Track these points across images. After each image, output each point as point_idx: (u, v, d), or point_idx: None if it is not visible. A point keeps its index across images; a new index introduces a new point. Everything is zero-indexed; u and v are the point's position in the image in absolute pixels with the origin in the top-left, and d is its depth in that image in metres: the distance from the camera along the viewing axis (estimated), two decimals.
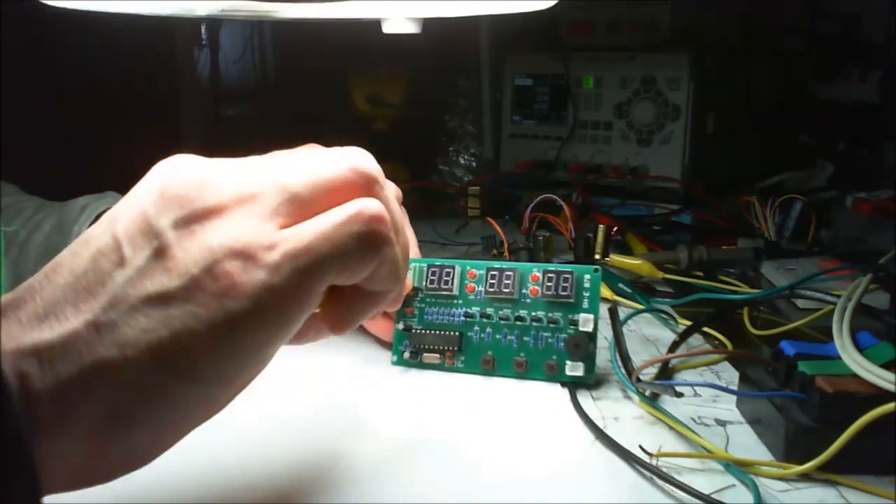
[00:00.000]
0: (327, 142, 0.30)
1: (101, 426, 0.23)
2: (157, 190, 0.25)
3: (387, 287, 0.29)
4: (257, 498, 0.32)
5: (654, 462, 0.34)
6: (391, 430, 0.38)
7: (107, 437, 0.24)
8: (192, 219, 0.25)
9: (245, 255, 0.24)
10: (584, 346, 0.43)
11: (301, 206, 0.26)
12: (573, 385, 0.43)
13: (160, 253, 0.24)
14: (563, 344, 0.43)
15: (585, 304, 0.44)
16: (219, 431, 0.37)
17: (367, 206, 0.27)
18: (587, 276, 0.44)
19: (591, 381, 0.43)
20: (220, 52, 1.07)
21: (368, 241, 0.27)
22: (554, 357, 0.44)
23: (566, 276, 0.44)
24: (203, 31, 1.04)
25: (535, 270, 0.45)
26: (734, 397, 0.41)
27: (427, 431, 0.38)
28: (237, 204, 0.25)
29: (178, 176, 0.26)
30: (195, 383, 0.24)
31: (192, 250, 0.24)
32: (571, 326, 0.44)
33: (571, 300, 0.44)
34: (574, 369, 0.43)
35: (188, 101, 1.04)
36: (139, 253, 0.24)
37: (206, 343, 0.24)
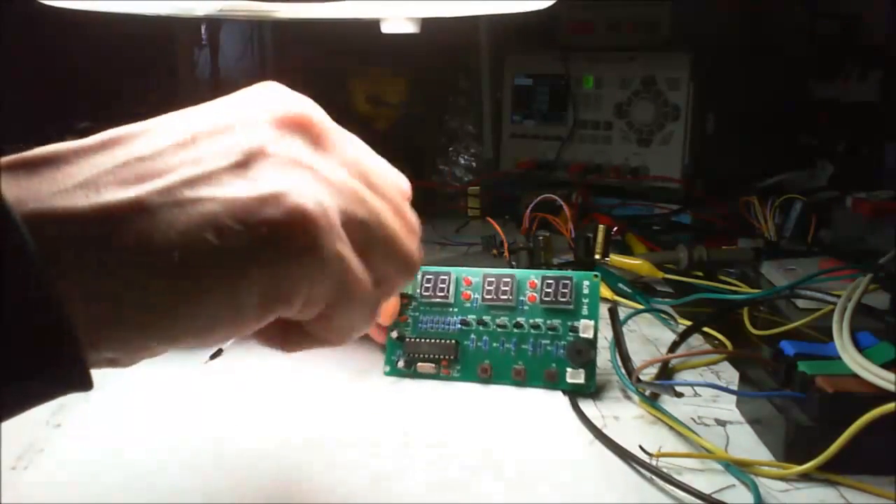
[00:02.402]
0: None
1: (97, 319, 0.21)
2: (265, 109, 0.25)
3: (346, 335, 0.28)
4: None
5: (654, 462, 0.34)
6: (382, 434, 0.38)
7: (98, 330, 0.21)
8: (292, 138, 0.25)
9: (316, 215, 0.23)
10: (585, 353, 0.42)
11: (356, 233, 0.25)
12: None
13: (240, 165, 0.23)
14: (562, 351, 0.43)
15: (585, 311, 0.43)
16: (207, 446, 0.37)
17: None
18: (586, 283, 0.43)
19: (592, 390, 0.42)
20: (220, 51, 1.06)
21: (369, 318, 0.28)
22: (553, 365, 0.43)
23: (565, 282, 0.43)
24: (203, 31, 1.04)
25: (533, 277, 0.44)
26: (734, 397, 0.41)
27: (421, 432, 0.38)
28: (326, 178, 0.25)
29: (289, 104, 0.26)
30: (197, 306, 0.22)
31: (274, 169, 0.23)
32: (571, 333, 0.43)
33: (571, 307, 0.43)
34: (575, 377, 0.42)
35: (188, 101, 1.04)
36: (217, 159, 0.23)
37: (229, 268, 0.22)
